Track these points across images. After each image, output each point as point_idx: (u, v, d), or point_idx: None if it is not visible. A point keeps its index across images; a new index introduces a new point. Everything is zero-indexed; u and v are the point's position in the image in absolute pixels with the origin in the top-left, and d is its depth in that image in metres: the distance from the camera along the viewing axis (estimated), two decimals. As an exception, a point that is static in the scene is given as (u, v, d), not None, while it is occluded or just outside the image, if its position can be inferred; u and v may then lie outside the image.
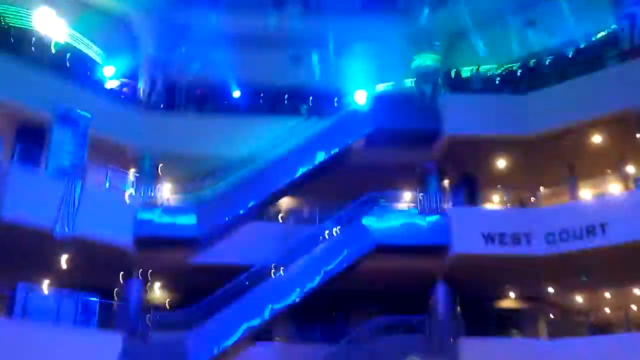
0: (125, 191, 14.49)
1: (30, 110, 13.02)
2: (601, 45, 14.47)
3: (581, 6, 14.32)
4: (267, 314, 13.78)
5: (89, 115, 13.45)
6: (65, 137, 13.50)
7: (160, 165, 15.32)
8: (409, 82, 16.07)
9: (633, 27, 13.56)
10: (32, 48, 13.78)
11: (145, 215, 13.98)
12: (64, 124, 13.50)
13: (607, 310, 17.32)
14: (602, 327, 15.95)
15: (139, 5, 15.79)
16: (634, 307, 16.82)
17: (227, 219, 14.02)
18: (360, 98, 15.05)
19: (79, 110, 13.52)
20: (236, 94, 16.20)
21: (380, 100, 15.03)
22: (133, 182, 14.88)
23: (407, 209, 15.14)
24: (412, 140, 14.53)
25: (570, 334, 15.18)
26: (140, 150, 14.97)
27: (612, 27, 14.25)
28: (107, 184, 14.16)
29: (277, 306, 13.81)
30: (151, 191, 14.89)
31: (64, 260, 13.63)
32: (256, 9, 16.11)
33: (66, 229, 12.32)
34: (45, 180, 12.72)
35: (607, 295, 16.70)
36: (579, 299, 16.98)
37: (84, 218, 12.54)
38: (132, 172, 15.17)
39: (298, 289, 13.88)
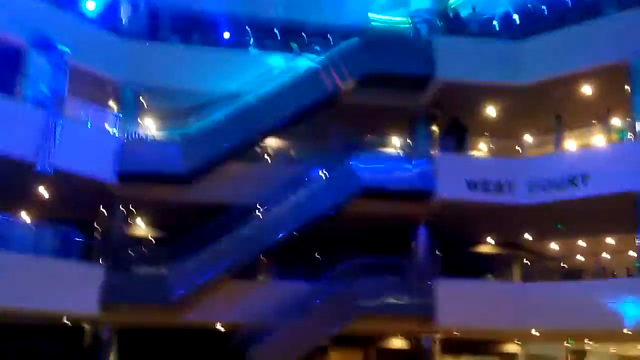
0: (106, 124, 13.94)
1: (5, 34, 12.19)
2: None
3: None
4: (250, 253, 13.76)
5: (67, 48, 12.71)
6: (43, 64, 12.76)
7: (144, 98, 14.69)
8: (405, 21, 15.46)
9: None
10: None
11: (129, 150, 13.50)
12: (41, 51, 12.72)
13: (580, 257, 17.85)
14: (574, 274, 16.46)
15: None
16: (606, 255, 17.37)
17: (213, 156, 13.65)
18: (352, 37, 14.44)
19: (57, 37, 12.75)
20: (224, 26, 15.42)
21: (373, 40, 14.47)
22: (115, 116, 14.33)
23: (395, 153, 14.99)
24: (404, 83, 14.15)
25: (543, 279, 15.68)
26: (123, 82, 14.24)
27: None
28: (88, 117, 13.60)
29: (261, 246, 13.78)
30: (134, 125, 14.36)
31: (44, 193, 13.22)
32: None
33: (47, 161, 11.85)
34: (23, 109, 12.11)
35: (581, 243, 17.14)
36: (553, 245, 17.40)
37: (64, 151, 12.02)
38: (113, 105, 14.58)
39: (283, 230, 13.81)
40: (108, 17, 14.32)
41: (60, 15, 13.24)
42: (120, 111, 14.36)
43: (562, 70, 13.65)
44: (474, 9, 15.25)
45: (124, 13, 14.88)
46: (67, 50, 12.78)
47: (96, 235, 14.18)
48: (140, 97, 14.60)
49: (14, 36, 12.23)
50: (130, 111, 14.45)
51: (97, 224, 14.25)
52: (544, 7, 14.65)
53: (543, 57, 13.94)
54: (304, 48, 14.66)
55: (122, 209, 13.97)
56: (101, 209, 13.99)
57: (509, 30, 14.64)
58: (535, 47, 14.15)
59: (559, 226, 15.25)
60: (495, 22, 14.90)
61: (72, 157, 12.19)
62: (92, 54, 13.48)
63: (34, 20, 12.53)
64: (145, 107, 14.88)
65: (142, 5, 15.06)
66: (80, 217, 13.61)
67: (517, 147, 15.54)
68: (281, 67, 14.50)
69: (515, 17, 14.72)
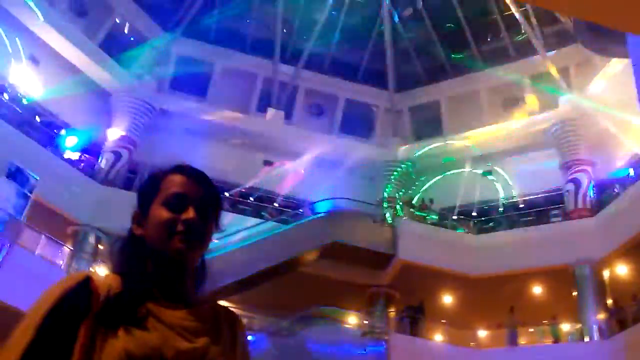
0: (57, 263, 12.58)
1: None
2: (549, 202, 14.88)
3: (536, 165, 14.97)
4: None
5: (37, 178, 12.14)
6: (9, 191, 11.94)
7: (102, 243, 13.62)
8: (373, 204, 15.66)
9: (577, 190, 14.09)
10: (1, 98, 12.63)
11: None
12: (12, 178, 12.01)
13: None
14: None
15: (123, 81, 15.14)
16: None
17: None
18: (324, 210, 14.42)
19: (30, 170, 12.17)
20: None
21: (341, 216, 14.44)
22: (69, 256, 13.09)
23: (350, 328, 13.90)
24: (366, 260, 13.75)
25: None
26: (84, 225, 13.39)
27: (561, 187, 14.72)
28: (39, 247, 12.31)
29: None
30: (85, 266, 13.01)
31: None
32: (240, 108, 15.87)
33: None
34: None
35: None
36: None
37: (5, 280, 10.54)
38: (69, 245, 13.42)
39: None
40: (87, 159, 13.95)
41: (40, 152, 12.84)
42: (74, 252, 13.15)
43: (513, 267, 13.70)
44: (431, 200, 15.76)
45: (103, 160, 14.58)
46: (36, 178, 12.15)
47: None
48: (100, 242, 13.57)
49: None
50: (86, 255, 13.28)
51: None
52: (501, 209, 15.35)
53: (495, 252, 14.08)
54: (275, 216, 14.40)
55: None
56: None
57: (466, 223, 15.02)
58: (488, 242, 14.40)
59: None
60: (455, 216, 15.30)
61: (11, 287, 10.62)
62: (61, 192, 12.78)
63: (15, 150, 12.07)
64: (103, 253, 13.70)
65: (123, 156, 14.85)
66: None
67: (470, 338, 14.72)
68: (248, 230, 14.01)
69: (474, 213, 15.23)
